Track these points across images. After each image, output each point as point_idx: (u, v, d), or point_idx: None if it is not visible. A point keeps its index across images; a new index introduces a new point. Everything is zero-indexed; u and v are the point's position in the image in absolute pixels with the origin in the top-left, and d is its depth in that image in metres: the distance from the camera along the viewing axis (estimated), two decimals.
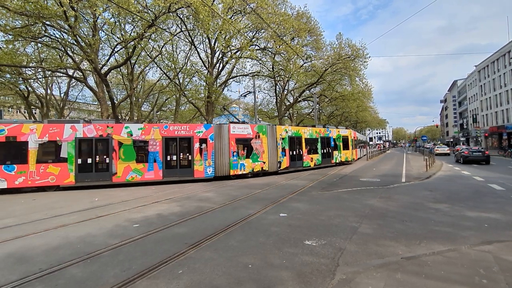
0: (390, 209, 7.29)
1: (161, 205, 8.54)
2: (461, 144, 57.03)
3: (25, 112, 30.40)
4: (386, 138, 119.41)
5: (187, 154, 14.45)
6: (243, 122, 16.87)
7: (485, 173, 14.96)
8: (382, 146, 74.13)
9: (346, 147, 23.28)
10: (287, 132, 17.95)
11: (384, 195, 9.21)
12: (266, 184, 12.67)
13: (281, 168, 17.32)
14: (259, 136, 16.36)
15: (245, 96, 24.13)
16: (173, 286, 3.46)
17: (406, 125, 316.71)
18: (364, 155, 34.88)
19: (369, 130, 76.52)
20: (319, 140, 20.32)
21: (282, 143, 17.45)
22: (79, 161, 12.77)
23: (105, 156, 13.11)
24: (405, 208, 7.32)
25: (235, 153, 15.45)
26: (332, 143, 21.75)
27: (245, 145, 15.88)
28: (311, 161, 19.56)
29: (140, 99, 31.22)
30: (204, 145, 14.68)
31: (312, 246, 4.70)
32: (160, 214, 7.24)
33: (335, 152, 21.96)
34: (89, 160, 12.91)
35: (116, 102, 22.03)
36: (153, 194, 10.61)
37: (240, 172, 15.56)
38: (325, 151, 20.82)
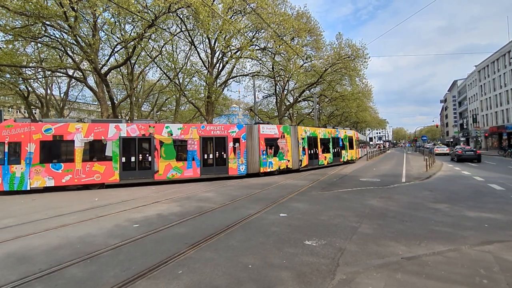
0: (390, 209, 7.29)
1: (161, 205, 8.54)
2: (461, 144, 57.07)
3: (25, 112, 30.42)
4: (386, 138, 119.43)
5: (222, 153, 15.34)
6: (267, 123, 17.96)
7: (485, 173, 14.95)
8: (382, 146, 74.13)
9: (351, 146, 25.02)
10: (306, 132, 19.28)
11: (384, 195, 9.21)
12: (266, 184, 12.66)
13: (301, 166, 18.40)
14: (284, 136, 17.48)
15: (266, 97, 24.76)
16: (173, 286, 3.46)
17: (406, 125, 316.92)
18: (364, 155, 34.96)
19: (369, 130, 76.54)
20: (330, 140, 21.93)
21: (302, 142, 18.67)
22: (123, 159, 13.25)
23: (147, 155, 13.75)
24: (405, 208, 7.31)
25: (264, 152, 16.44)
26: (341, 143, 23.47)
27: (272, 144, 16.86)
28: (325, 160, 21.10)
29: (140, 99, 31.24)
30: (237, 144, 15.65)
31: (312, 246, 4.69)
32: (160, 214, 7.23)
33: (343, 151, 23.66)
34: (133, 159, 13.45)
35: (116, 102, 22.03)
36: (153, 194, 10.61)
37: (268, 170, 16.55)
38: (335, 150, 22.47)
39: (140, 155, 13.59)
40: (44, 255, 4.60)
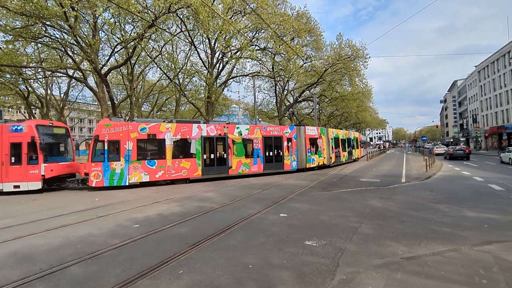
0: (390, 209, 7.31)
1: (162, 205, 8.55)
2: (461, 144, 57.10)
3: (25, 112, 30.41)
4: (386, 138, 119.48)
5: (279, 151, 17.40)
6: (304, 125, 20.56)
7: (485, 174, 14.97)
8: (382, 146, 74.15)
9: (357, 146, 29.44)
10: (333, 133, 22.45)
11: (384, 196, 9.22)
12: (267, 184, 12.67)
13: (331, 163, 21.54)
14: (321, 136, 20.25)
15: (300, 101, 26.60)
16: (174, 286, 3.47)
17: (406, 125, 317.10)
18: (364, 155, 35.04)
19: (369, 130, 76.57)
20: (346, 140, 25.63)
21: (331, 142, 21.86)
22: (204, 156, 14.64)
23: (223, 152, 15.33)
24: (405, 209, 7.33)
25: (309, 150, 18.82)
26: (352, 143, 27.37)
27: (314, 144, 19.42)
28: (343, 157, 24.69)
29: (140, 99, 31.24)
30: (290, 143, 17.83)
31: (312, 246, 4.71)
32: (160, 214, 7.25)
33: (353, 151, 27.65)
34: (212, 156, 14.92)
35: (116, 102, 22.03)
36: (154, 194, 10.62)
37: (311, 165, 18.94)
38: (349, 150, 26.27)
39: (218, 152, 15.12)
40: (45, 255, 4.61)
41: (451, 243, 4.72)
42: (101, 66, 18.26)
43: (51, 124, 13.41)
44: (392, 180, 13.00)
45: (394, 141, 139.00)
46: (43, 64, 20.49)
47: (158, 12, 14.55)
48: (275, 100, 32.43)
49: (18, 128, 11.90)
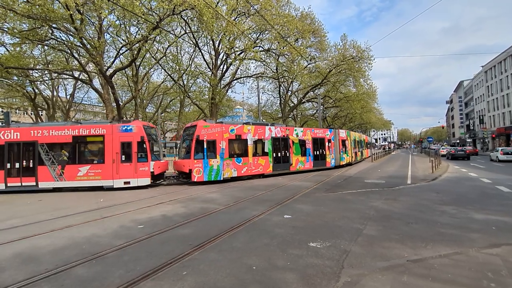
0: (395, 211, 7.22)
1: (166, 206, 8.57)
2: (468, 145, 56.42)
3: (31, 114, 30.80)
4: (391, 139, 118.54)
5: (323, 150, 20.40)
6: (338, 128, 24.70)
7: (492, 175, 14.75)
8: (387, 147, 73.61)
9: (366, 147, 35.08)
10: (353, 136, 26.24)
11: (389, 197, 9.13)
12: (271, 185, 12.64)
13: (353, 162, 24.94)
14: (347, 138, 23.87)
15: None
16: (178, 287, 3.47)
17: (412, 126, 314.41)
18: (369, 156, 34.86)
19: (373, 131, 76.06)
20: (360, 142, 29.86)
21: (353, 143, 25.64)
22: (274, 154, 16.89)
23: (286, 151, 17.61)
24: (410, 210, 7.24)
25: (341, 150, 22.28)
26: (362, 144, 31.78)
27: (344, 145, 22.85)
28: (359, 157, 28.68)
29: (145, 101, 31.44)
30: (330, 144, 21.01)
31: (316, 248, 4.67)
32: (164, 215, 7.26)
33: (363, 151, 32.32)
34: (279, 154, 17.23)
35: (121, 103, 22.19)
36: (158, 195, 10.66)
37: (343, 163, 22.32)
38: (361, 150, 30.57)
39: (282, 151, 17.41)
40: (50, 255, 4.65)
41: (458, 246, 4.64)
42: (106, 68, 18.41)
43: (150, 125, 14.89)
44: (397, 182, 12.87)
45: (399, 142, 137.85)
46: (49, 66, 20.74)
47: (162, 14, 14.65)
48: (279, 101, 32.39)
49: (128, 128, 13.02)
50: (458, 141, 74.78)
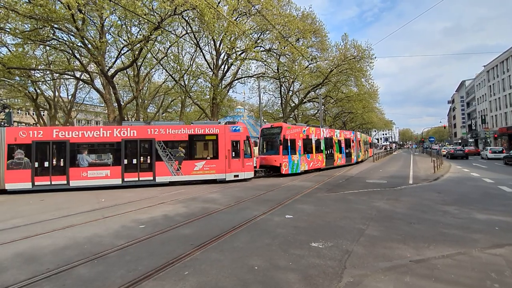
0: (397, 211, 7.20)
1: (167, 206, 8.57)
2: (469, 145, 56.24)
3: (33, 114, 30.90)
4: (393, 139, 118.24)
5: (350, 149, 24.84)
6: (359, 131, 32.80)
7: (495, 175, 14.69)
8: (388, 147, 73.47)
9: (370, 147, 39.48)
10: (363, 137, 31.29)
11: (391, 197, 9.10)
12: (272, 185, 12.62)
13: (363, 159, 29.76)
14: (361, 139, 29.09)
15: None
16: (179, 287, 3.46)
17: (413, 126, 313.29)
18: (371, 156, 34.89)
19: (375, 131, 75.90)
20: (366, 142, 33.54)
21: (363, 144, 30.25)
22: (325, 152, 20.61)
23: (332, 149, 21.76)
24: (412, 210, 7.21)
25: (358, 149, 27.36)
26: (368, 143, 36.14)
27: (360, 144, 27.79)
28: (367, 155, 33.41)
29: (146, 101, 31.47)
30: (354, 143, 25.74)
31: (318, 248, 4.65)
32: (166, 215, 7.26)
33: (369, 150, 37.00)
34: (328, 152, 20.99)
35: (123, 103, 22.22)
36: (159, 195, 10.66)
37: (359, 160, 27.46)
38: (367, 149, 35.27)
39: (330, 149, 21.31)
40: (52, 255, 4.65)
41: (461, 246, 4.62)
42: (107, 68, 18.46)
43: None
44: (399, 182, 12.83)
45: (401, 142, 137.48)
46: (51, 66, 20.79)
47: (163, 14, 14.67)
48: (280, 101, 32.35)
49: (237, 128, 14.79)
50: (460, 141, 74.54)
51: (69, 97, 30.49)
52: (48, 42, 16.44)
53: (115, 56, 19.44)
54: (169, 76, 24.41)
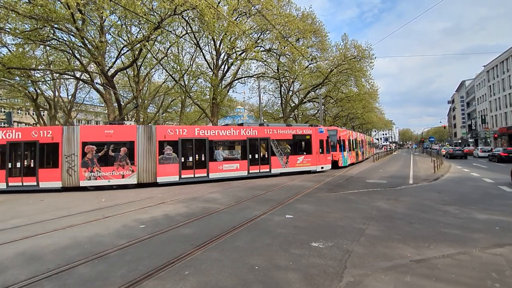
0: (398, 211, 7.20)
1: (167, 206, 8.57)
2: (469, 145, 56.23)
3: (33, 114, 30.89)
4: (393, 139, 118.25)
5: (361, 148, 29.77)
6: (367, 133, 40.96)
7: (495, 175, 14.69)
8: (388, 147, 73.48)
9: (372, 146, 44.33)
10: (367, 138, 36.21)
11: (391, 197, 9.10)
12: (272, 185, 12.62)
13: (368, 157, 33.94)
14: (365, 139, 34.01)
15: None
16: (180, 287, 3.46)
17: (413, 126, 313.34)
18: (371, 156, 34.95)
19: (375, 131, 75.87)
20: (369, 142, 37.99)
21: (367, 144, 35.12)
22: (355, 150, 25.53)
23: (357, 148, 26.63)
24: (413, 210, 7.21)
25: (366, 148, 33.28)
26: (370, 144, 41.12)
27: (364, 145, 32.26)
28: (370, 154, 37.70)
29: (146, 101, 31.46)
30: (363, 143, 30.92)
31: (319, 248, 4.65)
32: (166, 215, 7.26)
33: (371, 149, 41.22)
34: (357, 150, 26.57)
35: (123, 104, 22.23)
36: (160, 195, 10.66)
37: (365, 157, 31.97)
38: (369, 149, 38.46)
39: (357, 148, 26.85)
40: (52, 255, 4.65)
41: (462, 246, 4.62)
42: (107, 68, 18.46)
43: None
44: (399, 182, 12.83)
45: (401, 142, 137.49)
46: (51, 66, 20.79)
47: (163, 14, 14.67)
48: (280, 101, 32.37)
49: (321, 130, 18.39)
50: (460, 141, 74.54)
51: (69, 97, 30.49)
52: (48, 42, 16.45)
53: (115, 56, 19.44)
54: (169, 76, 24.40)
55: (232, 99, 31.69)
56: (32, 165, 12.43)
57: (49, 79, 24.50)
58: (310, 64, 26.32)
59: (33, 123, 31.23)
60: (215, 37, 19.54)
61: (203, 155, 14.35)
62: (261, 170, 15.84)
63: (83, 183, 12.46)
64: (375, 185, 12.00)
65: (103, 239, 5.42)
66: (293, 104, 33.68)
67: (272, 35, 21.30)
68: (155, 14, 15.55)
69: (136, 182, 13.00)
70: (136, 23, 17.87)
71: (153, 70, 26.29)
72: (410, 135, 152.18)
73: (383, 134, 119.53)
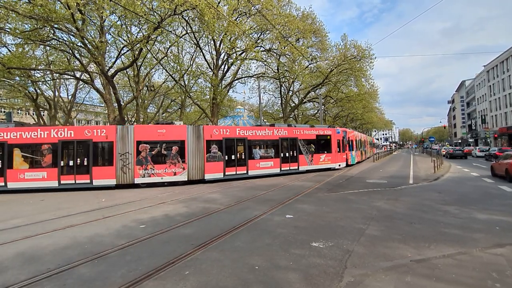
0: (398, 211, 7.19)
1: (167, 206, 8.57)
2: (470, 145, 56.23)
3: (33, 114, 30.87)
4: (393, 139, 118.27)
5: (365, 147, 32.43)
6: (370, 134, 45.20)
7: None
8: (388, 147, 73.49)
9: (373, 146, 47.75)
10: (369, 139, 38.71)
11: (392, 197, 9.10)
12: (272, 185, 12.62)
13: (366, 158, 33.20)
14: (367, 140, 36.10)
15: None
16: (180, 287, 3.45)
17: (413, 126, 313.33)
18: (371, 156, 35.00)
19: (375, 131, 75.87)
20: (370, 142, 40.26)
21: (369, 143, 38.90)
22: (360, 149, 27.65)
23: (361, 148, 29.05)
24: (413, 210, 7.21)
25: (366, 148, 33.71)
26: (371, 143, 43.16)
27: (366, 145, 34.18)
28: (371, 153, 39.19)
29: (146, 101, 31.44)
30: (367, 143, 33.24)
31: (319, 248, 4.65)
32: (166, 215, 7.26)
33: (372, 149, 43.64)
34: (360, 149, 27.89)
35: (123, 104, 22.21)
36: (160, 195, 10.66)
37: (368, 156, 34.60)
38: (370, 149, 40.27)
39: (362, 148, 29.22)
40: (52, 255, 4.64)
41: (462, 246, 4.62)
42: (107, 68, 18.44)
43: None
44: (399, 182, 12.83)
45: (401, 142, 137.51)
46: (51, 66, 20.76)
47: (163, 14, 14.65)
48: (280, 101, 32.35)
49: (339, 131, 20.92)
50: (460, 141, 74.52)
51: (69, 97, 30.44)
52: (48, 42, 16.42)
53: (115, 56, 19.42)
54: (169, 76, 24.38)
55: (232, 99, 31.65)
56: (85, 163, 12.78)
57: (49, 79, 24.48)
58: (310, 64, 26.30)
59: (33, 123, 31.18)
60: (215, 37, 19.51)
61: (243, 153, 15.66)
62: (290, 168, 17.28)
63: (137, 181, 13.08)
64: (375, 185, 12.00)
65: (103, 239, 5.42)
66: (293, 104, 33.67)
67: (272, 35, 21.28)
68: (155, 14, 15.52)
69: (186, 179, 13.79)
70: (136, 23, 17.84)
71: (153, 70, 26.27)
72: (410, 135, 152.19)
73: (383, 134, 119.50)
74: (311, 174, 17.18)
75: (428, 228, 5.64)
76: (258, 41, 22.35)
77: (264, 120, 33.79)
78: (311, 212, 7.25)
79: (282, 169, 16.81)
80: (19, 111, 33.43)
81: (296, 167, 17.45)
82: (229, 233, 5.53)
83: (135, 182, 12.99)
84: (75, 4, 12.10)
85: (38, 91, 24.85)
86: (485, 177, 13.91)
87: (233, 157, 15.11)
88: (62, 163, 12.60)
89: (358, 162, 25.34)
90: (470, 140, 62.25)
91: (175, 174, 13.57)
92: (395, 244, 4.74)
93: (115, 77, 18.70)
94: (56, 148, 12.57)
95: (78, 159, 12.76)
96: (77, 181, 12.62)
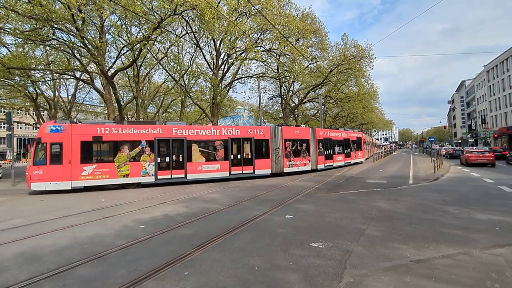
0: (398, 211, 7.20)
1: (167, 206, 8.57)
2: (469, 145, 56.23)
3: (33, 114, 30.85)
4: (393, 140, 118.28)
5: (368, 147, 35.13)
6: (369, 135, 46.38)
7: (495, 175, 14.69)
8: (388, 147, 73.50)
9: (374, 146, 47.08)
10: (368, 138, 37.89)
11: (391, 197, 9.10)
12: (272, 185, 12.62)
13: (369, 156, 35.06)
14: (365, 140, 34.57)
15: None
16: (180, 287, 3.46)
17: (413, 126, 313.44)
18: (371, 156, 34.98)
19: (375, 131, 75.86)
20: (371, 142, 41.49)
21: (370, 143, 39.42)
22: (363, 149, 29.01)
23: (366, 148, 31.61)
24: (413, 210, 7.21)
25: (369, 147, 36.22)
26: (372, 143, 43.52)
27: (368, 144, 36.04)
28: (372, 153, 38.77)
29: (146, 101, 31.45)
30: (369, 143, 38.03)
31: (318, 248, 4.65)
32: (166, 215, 7.26)
33: (373, 149, 43.35)
34: (366, 149, 32.32)
35: (123, 104, 22.21)
36: (160, 195, 10.66)
37: (368, 156, 34.47)
38: (372, 148, 41.51)
39: (367, 147, 32.44)
40: (52, 255, 4.65)
41: (461, 246, 4.62)
42: (107, 68, 18.43)
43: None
44: (399, 182, 12.83)
45: (401, 142, 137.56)
46: (51, 66, 20.76)
47: (163, 14, 14.65)
48: (280, 101, 32.34)
49: (361, 135, 25.61)
50: (460, 141, 74.49)
51: (69, 97, 30.43)
52: (48, 42, 16.41)
53: (115, 56, 19.41)
54: (169, 76, 24.37)
55: (232, 99, 31.61)
56: (249, 157, 15.57)
57: (49, 79, 24.47)
58: (310, 64, 26.28)
59: (33, 123, 31.17)
60: (215, 37, 19.51)
61: (331, 150, 20.61)
62: (328, 164, 20.44)
63: (286, 170, 16.65)
64: (375, 185, 12.00)
65: (103, 239, 5.42)
66: (293, 104, 33.66)
67: (272, 35, 21.25)
68: (155, 14, 15.53)
69: (311, 169, 18.21)
70: (136, 23, 17.84)
71: (153, 70, 26.27)
72: (410, 135, 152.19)
73: (383, 134, 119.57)
74: (311, 174, 17.18)
75: (428, 228, 5.65)
76: (258, 41, 22.34)
77: (264, 120, 33.79)
78: (311, 212, 7.26)
79: (325, 165, 19.44)
80: (19, 111, 33.40)
81: (332, 163, 20.23)
82: (229, 233, 5.53)
83: (284, 171, 16.47)
84: (76, 4, 12.10)
85: (38, 91, 24.84)
86: (485, 177, 13.91)
87: (326, 152, 19.60)
88: (232, 157, 14.94)
89: (366, 158, 29.67)
90: (470, 140, 62.17)
91: (305, 165, 17.70)
92: (395, 245, 4.74)
93: (115, 77, 18.70)
94: (227, 144, 14.88)
95: (244, 154, 15.38)
96: (243, 172, 15.24)
